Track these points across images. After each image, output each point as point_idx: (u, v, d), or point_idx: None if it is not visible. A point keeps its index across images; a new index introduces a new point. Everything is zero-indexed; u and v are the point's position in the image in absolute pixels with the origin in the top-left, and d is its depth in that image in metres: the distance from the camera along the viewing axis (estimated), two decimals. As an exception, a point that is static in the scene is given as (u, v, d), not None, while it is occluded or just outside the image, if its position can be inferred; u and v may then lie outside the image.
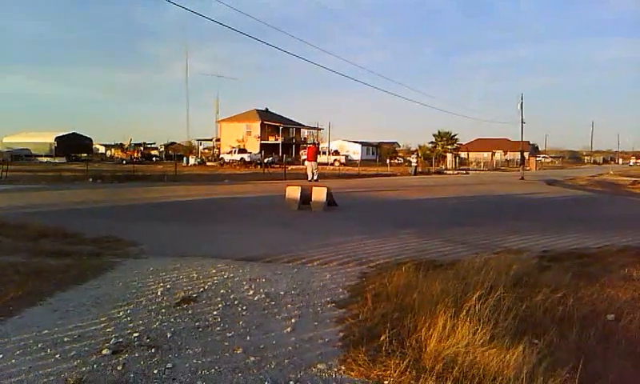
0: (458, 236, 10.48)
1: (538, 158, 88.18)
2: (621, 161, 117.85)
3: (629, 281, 6.46)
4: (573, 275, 6.48)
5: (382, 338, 4.15)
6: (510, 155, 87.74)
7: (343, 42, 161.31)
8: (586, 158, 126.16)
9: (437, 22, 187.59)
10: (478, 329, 4.03)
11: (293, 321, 4.90)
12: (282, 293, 5.90)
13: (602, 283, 6.17)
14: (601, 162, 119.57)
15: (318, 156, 35.13)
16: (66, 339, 4.34)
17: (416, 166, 46.33)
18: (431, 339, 3.95)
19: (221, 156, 67.56)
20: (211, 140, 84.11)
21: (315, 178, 29.03)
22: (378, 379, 3.61)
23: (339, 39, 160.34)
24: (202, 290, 5.96)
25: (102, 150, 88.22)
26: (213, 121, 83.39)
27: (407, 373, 3.60)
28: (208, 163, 63.96)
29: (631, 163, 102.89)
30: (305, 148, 74.75)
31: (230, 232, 10.92)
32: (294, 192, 15.53)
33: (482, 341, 3.90)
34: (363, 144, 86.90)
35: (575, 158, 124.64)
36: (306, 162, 31.47)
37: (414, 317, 4.55)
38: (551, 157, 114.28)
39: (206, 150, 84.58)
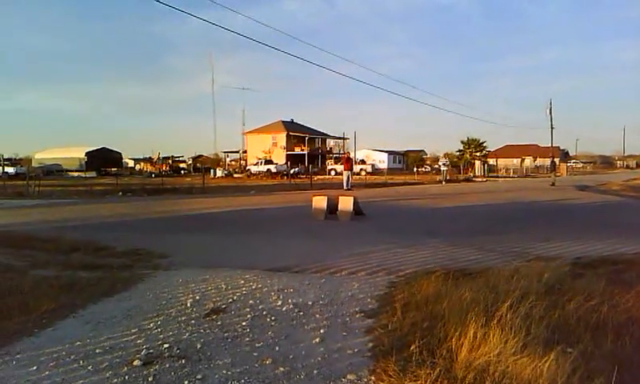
0: (488, 244, 10.33)
1: (568, 164, 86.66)
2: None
3: (666, 287, 6.27)
4: (607, 282, 6.31)
5: (411, 348, 4.10)
6: (539, 161, 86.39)
7: (367, 50, 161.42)
8: (618, 162, 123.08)
9: (462, 27, 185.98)
10: (509, 338, 3.96)
11: (321, 331, 4.89)
12: (310, 303, 5.89)
13: (637, 290, 5.99)
14: (634, 166, 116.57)
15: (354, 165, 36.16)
16: (97, 351, 4.40)
17: (445, 171, 45.09)
18: (462, 348, 3.89)
19: (247, 167, 68.18)
20: (238, 152, 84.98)
21: (350, 186, 30.12)
22: (408, 389, 3.57)
23: (363, 48, 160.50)
24: (230, 300, 5.99)
25: (131, 164, 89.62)
26: (239, 133, 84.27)
27: (438, 383, 3.54)
28: (235, 175, 64.49)
29: None
30: (331, 158, 75.13)
31: (257, 243, 10.97)
32: (320, 202, 15.54)
33: (513, 350, 3.82)
34: (389, 153, 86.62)
35: (607, 162, 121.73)
36: (344, 171, 32.79)
37: (444, 326, 4.48)
38: (582, 162, 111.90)
39: (233, 162, 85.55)
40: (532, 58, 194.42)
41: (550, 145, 53.17)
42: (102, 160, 71.65)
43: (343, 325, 5.11)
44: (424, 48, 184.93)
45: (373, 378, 3.79)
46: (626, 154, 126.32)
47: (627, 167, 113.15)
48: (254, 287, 6.61)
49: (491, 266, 7.75)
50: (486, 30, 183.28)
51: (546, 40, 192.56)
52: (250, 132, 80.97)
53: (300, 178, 50.34)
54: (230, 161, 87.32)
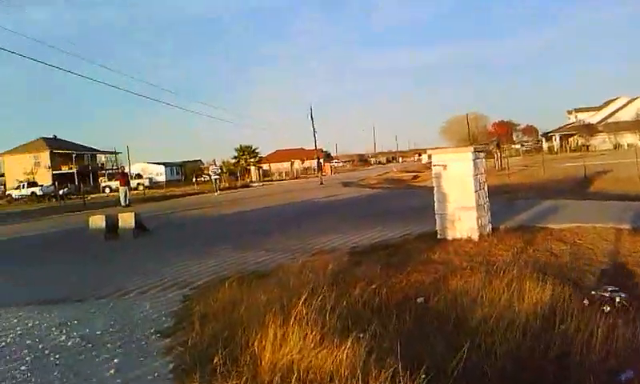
0: (272, 244, 10.66)
1: (331, 164, 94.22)
2: (401, 159, 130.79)
3: (428, 264, 7.18)
4: (382, 266, 7.00)
5: (215, 361, 4.03)
6: (307, 163, 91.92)
7: (133, 59, 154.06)
8: (372, 159, 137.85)
9: (230, 38, 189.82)
10: (308, 333, 4.13)
11: (115, 361, 4.54)
12: (99, 333, 5.44)
13: (408, 270, 6.75)
14: (385, 162, 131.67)
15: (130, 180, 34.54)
16: None
17: (217, 179, 40.21)
18: (265, 351, 3.94)
19: (7, 193, 60.76)
20: (-7, 176, 74.97)
21: (128, 202, 28.82)
22: (216, 403, 3.51)
23: (129, 57, 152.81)
24: (3, 344, 5.23)
25: None
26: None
27: (246, 390, 3.55)
28: (-8, 202, 56.61)
29: (415, 159, 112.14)
30: (104, 175, 70.73)
31: (29, 274, 9.78)
32: (98, 221, 14.49)
33: (313, 344, 3.98)
34: (166, 165, 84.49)
35: (363, 160, 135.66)
36: (119, 188, 30.89)
37: (244, 332, 4.50)
38: (343, 161, 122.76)
39: (-12, 189, 74.90)
40: (294, 67, 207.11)
41: (314, 147, 57.24)
42: None
43: (139, 350, 4.83)
44: (192, 58, 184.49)
45: (178, 399, 3.64)
46: (377, 152, 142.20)
47: (379, 163, 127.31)
48: (30, 325, 5.87)
49: (279, 264, 8.03)
50: (253, 41, 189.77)
51: (307, 48, 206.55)
52: (5, 153, 72.14)
53: (72, 198, 46.31)
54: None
